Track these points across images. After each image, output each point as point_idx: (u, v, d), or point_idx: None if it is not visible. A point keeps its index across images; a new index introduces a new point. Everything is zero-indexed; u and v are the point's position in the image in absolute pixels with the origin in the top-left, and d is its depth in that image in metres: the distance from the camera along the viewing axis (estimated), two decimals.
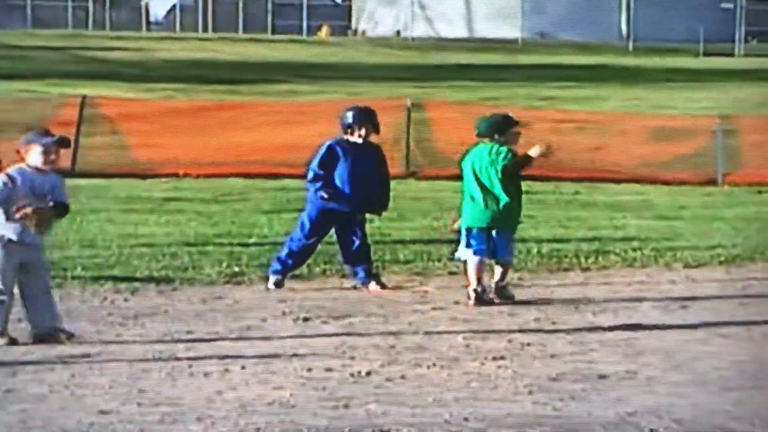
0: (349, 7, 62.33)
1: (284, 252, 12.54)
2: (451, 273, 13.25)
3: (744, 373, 8.68)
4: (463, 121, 19.38)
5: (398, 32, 53.91)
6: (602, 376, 8.45)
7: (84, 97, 23.43)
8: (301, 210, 13.06)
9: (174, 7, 60.10)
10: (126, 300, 11.82)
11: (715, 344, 9.76)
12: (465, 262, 11.76)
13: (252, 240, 15.32)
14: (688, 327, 10.49)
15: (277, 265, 12.49)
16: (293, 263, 12.55)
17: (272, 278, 12.46)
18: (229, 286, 12.66)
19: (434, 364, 8.90)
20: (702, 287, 12.65)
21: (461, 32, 53.30)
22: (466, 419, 7.26)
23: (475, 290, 11.49)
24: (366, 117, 12.91)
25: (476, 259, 11.73)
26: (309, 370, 8.77)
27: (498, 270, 11.92)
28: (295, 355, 9.28)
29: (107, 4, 55.16)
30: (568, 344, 9.73)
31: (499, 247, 11.90)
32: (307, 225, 12.51)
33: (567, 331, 10.27)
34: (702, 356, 9.21)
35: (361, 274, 12.49)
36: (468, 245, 11.83)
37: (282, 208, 17.35)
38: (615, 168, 24.14)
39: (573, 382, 8.28)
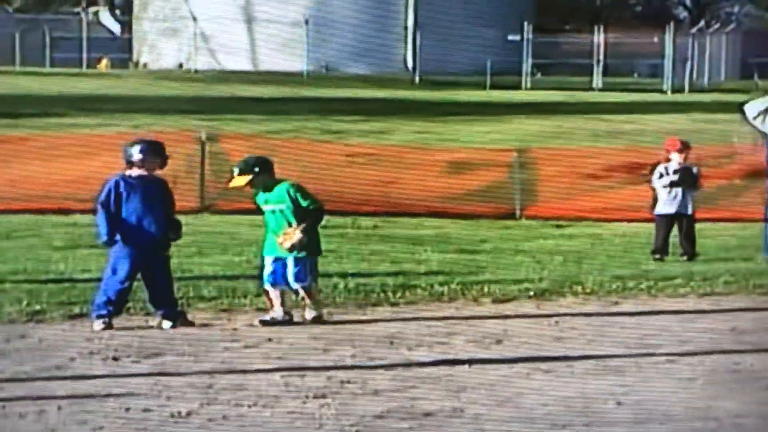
0: (130, 40, 61.70)
1: (102, 299, 12.40)
2: (259, 309, 13.25)
3: (572, 409, 8.78)
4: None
5: (181, 65, 53.85)
6: (428, 414, 8.46)
7: None
8: (93, 246, 12.96)
9: None
10: None
11: (538, 379, 9.87)
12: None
13: (49, 277, 14.95)
14: (507, 362, 10.56)
15: (100, 310, 12.35)
16: (114, 309, 12.42)
17: (98, 322, 12.28)
18: (31, 324, 12.37)
19: (255, 404, 8.82)
20: (514, 322, 12.80)
21: (246, 65, 53.43)
22: None
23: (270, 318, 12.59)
24: (154, 151, 12.83)
25: (270, 286, 12.78)
26: (127, 410, 8.59)
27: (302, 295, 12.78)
28: (109, 395, 9.08)
29: None
30: (388, 380, 9.70)
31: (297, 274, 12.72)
32: (117, 268, 12.43)
33: (385, 367, 10.26)
34: (526, 392, 9.30)
35: (166, 311, 12.49)
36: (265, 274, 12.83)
37: (75, 243, 17.20)
38: (410, 201, 24.45)
39: (399, 420, 8.27)
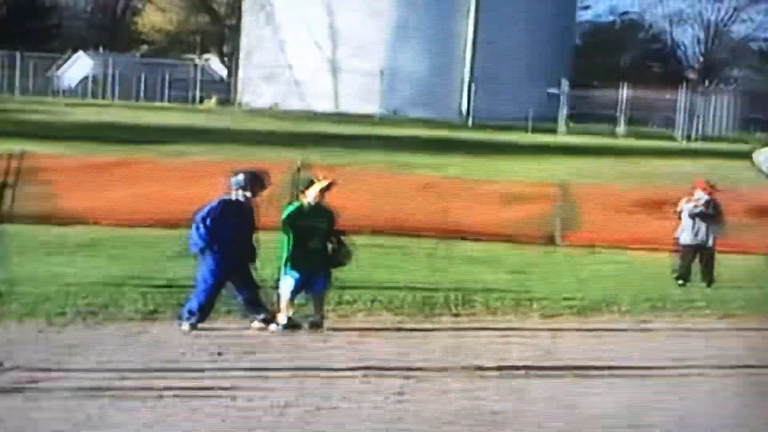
0: (235, 83, 62.02)
1: (193, 304, 12.01)
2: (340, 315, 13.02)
3: (617, 415, 8.44)
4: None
5: (275, 105, 54.14)
6: (495, 413, 8.20)
7: (23, 152, 22.47)
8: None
9: (86, 77, 58.61)
10: (58, 332, 11.22)
11: (585, 386, 9.67)
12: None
13: (162, 282, 14.64)
14: (557, 369, 10.28)
15: (190, 314, 11.95)
16: (202, 314, 12.03)
17: (185, 325, 11.88)
18: (146, 323, 12.11)
19: (343, 398, 8.81)
20: (561, 334, 12.45)
21: (329, 106, 53.36)
22: None
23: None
24: (256, 179, 12.46)
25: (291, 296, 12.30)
26: (233, 399, 8.62)
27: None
28: (216, 387, 9.11)
29: (17, 71, 53.43)
30: (456, 383, 9.47)
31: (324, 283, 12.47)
32: (208, 277, 12.09)
33: (452, 370, 10.02)
34: (576, 397, 9.05)
35: (259, 315, 12.09)
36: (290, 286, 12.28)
37: (185, 254, 17.14)
38: (465, 227, 24.03)
39: (468, 417, 7.99)
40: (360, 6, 54.11)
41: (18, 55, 52.67)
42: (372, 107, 51.44)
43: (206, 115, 50.21)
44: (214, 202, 12.33)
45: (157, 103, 55.71)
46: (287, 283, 12.26)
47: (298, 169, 19.26)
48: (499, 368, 10.16)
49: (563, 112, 52.42)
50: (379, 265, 16.83)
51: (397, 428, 7.90)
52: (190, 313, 11.94)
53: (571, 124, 52.41)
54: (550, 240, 23.30)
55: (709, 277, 17.54)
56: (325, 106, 52.81)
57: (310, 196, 12.57)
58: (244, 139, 36.54)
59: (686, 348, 12.42)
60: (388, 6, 54.66)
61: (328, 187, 12.62)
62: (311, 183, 12.82)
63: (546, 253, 21.85)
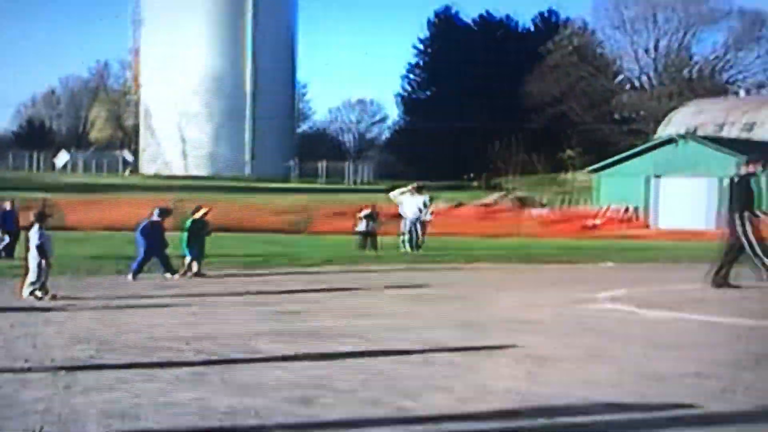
0: (137, 162, 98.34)
1: (135, 266, 17.49)
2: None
3: None
4: None
5: (158, 172, 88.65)
6: None
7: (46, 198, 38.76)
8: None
9: (66, 163, 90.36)
10: (78, 279, 17.44)
11: None
12: None
13: (123, 256, 18.76)
14: None
15: (132, 271, 17.40)
16: (139, 271, 17.43)
17: (130, 276, 17.25)
18: (112, 276, 17.75)
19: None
20: None
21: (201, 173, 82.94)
22: None
23: None
24: (164, 210, 18.62)
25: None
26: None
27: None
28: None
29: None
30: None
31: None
32: (142, 254, 17.48)
33: None
34: None
35: (170, 272, 17.78)
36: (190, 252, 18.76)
37: (132, 243, 19.33)
38: (261, 225, 38.64)
39: None
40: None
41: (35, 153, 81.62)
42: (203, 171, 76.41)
43: (126, 178, 73.55)
44: (145, 221, 17.96)
45: (104, 174, 79.04)
46: (187, 255, 18.31)
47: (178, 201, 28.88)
48: None
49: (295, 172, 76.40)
50: (224, 245, 23.49)
51: None
52: (133, 271, 17.32)
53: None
54: (301, 230, 37.39)
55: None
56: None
57: (198, 215, 19.05)
58: (147, 189, 54.30)
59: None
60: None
61: (207, 212, 19.35)
62: (198, 208, 19.36)
63: (300, 236, 34.61)
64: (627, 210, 54.13)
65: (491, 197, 64.50)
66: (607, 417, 6.68)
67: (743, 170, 16.12)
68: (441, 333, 10.76)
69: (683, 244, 34.86)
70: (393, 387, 7.58)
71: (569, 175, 72.02)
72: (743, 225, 15.70)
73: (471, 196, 63.55)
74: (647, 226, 51.28)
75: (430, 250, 26.54)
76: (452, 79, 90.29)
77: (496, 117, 79.01)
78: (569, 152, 73.67)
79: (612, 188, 55.57)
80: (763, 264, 15.50)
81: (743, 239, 15.67)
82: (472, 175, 78.22)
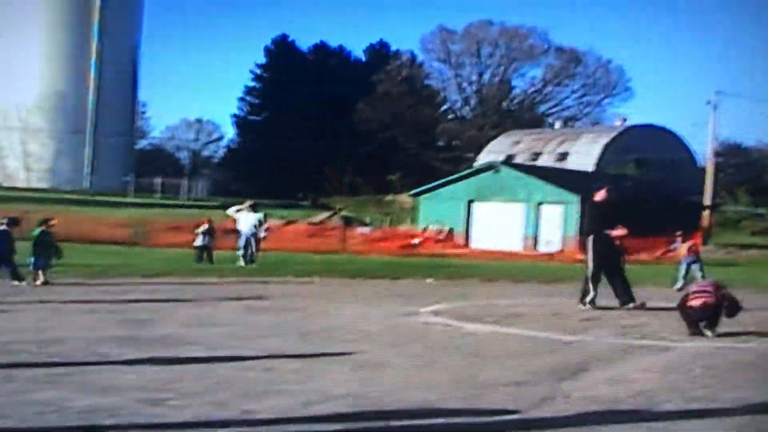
0: None
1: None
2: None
3: None
4: None
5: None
6: None
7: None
8: None
9: None
10: None
11: None
12: None
13: None
14: None
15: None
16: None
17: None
18: None
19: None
20: None
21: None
22: None
23: None
24: (13, 220, 19.67)
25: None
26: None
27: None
28: None
29: None
30: None
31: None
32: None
33: None
34: None
35: (18, 279, 18.31)
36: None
37: None
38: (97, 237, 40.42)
39: None
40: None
41: None
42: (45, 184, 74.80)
43: None
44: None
45: None
46: (33, 264, 18.63)
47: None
48: None
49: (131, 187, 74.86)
50: (68, 255, 20.98)
51: None
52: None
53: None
54: (139, 243, 37.61)
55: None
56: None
57: (45, 226, 19.38)
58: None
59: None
60: None
61: (53, 224, 19.78)
62: (47, 220, 19.73)
63: (138, 249, 35.32)
64: (442, 231, 55.16)
65: (320, 216, 65.07)
66: (441, 420, 6.92)
67: (596, 198, 16.53)
68: (280, 341, 10.88)
69: (499, 263, 35.80)
70: (238, 391, 7.68)
71: (393, 197, 73.18)
72: (586, 250, 16.13)
73: (302, 215, 64.02)
74: (467, 246, 52.44)
75: (263, 265, 26.64)
76: (287, 104, 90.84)
77: (328, 141, 79.86)
78: (393, 177, 74.97)
79: (432, 210, 56.73)
80: (585, 287, 15.96)
81: (586, 262, 16.10)
82: (302, 195, 78.83)
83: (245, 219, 28.51)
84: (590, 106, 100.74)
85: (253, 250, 28.17)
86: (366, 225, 61.75)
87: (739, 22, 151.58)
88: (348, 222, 60.91)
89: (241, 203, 30.34)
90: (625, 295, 15.86)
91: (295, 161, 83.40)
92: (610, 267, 15.89)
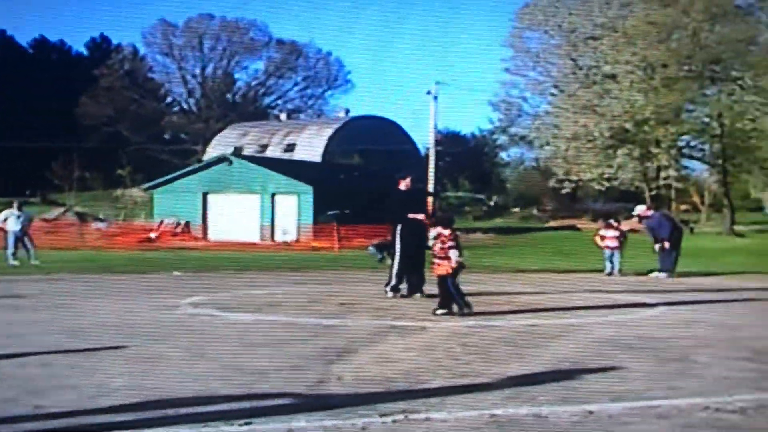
0: None
1: None
2: None
3: None
4: None
5: None
6: None
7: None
8: None
9: None
10: None
11: None
12: None
13: None
14: None
15: None
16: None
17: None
18: None
19: None
20: None
21: None
22: None
23: None
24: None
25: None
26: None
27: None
28: None
29: None
30: None
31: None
32: None
33: None
34: None
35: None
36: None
37: None
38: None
39: None
40: None
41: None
42: None
43: None
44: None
45: None
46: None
47: None
48: None
49: None
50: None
51: None
52: None
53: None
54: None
55: None
56: None
57: None
58: None
59: None
60: None
61: None
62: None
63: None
64: (179, 224, 54.74)
65: (55, 212, 62.96)
66: (223, 407, 6.98)
67: (401, 186, 16.48)
68: (53, 338, 10.65)
69: (239, 254, 35.96)
70: (24, 388, 7.56)
71: (124, 192, 71.75)
72: (394, 237, 16.13)
73: (35, 212, 61.57)
74: (204, 238, 52.23)
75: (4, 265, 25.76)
76: (10, 100, 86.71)
77: (54, 136, 77.12)
78: (122, 171, 73.51)
79: (166, 204, 56.09)
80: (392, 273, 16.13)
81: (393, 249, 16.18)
82: (30, 191, 75.79)
83: (12, 219, 27.68)
84: (313, 98, 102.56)
85: (29, 247, 27.46)
86: (101, 220, 60.46)
87: (459, 15, 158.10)
88: (83, 217, 59.31)
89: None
90: (418, 284, 16.04)
91: (21, 158, 79.98)
92: (417, 253, 15.97)
